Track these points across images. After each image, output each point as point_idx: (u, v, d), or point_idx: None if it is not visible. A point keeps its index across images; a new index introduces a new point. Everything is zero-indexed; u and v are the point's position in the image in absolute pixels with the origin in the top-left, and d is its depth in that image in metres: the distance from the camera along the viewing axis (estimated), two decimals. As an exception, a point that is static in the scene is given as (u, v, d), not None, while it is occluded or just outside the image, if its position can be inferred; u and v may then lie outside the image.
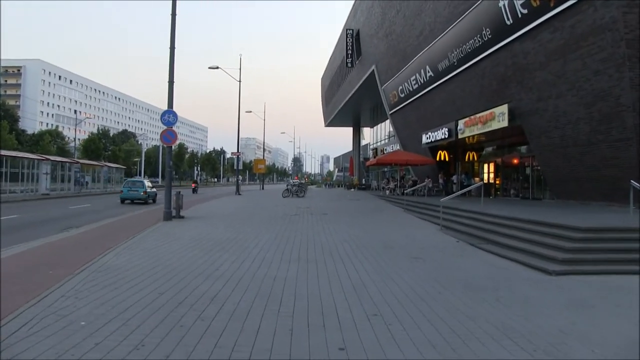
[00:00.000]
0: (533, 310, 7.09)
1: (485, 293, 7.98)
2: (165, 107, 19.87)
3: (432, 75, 31.49)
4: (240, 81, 49.46)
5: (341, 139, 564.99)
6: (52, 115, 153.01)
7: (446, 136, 31.26)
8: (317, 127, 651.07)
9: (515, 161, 29.95)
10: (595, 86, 17.56)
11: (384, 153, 55.35)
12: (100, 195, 50.10)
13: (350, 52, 52.48)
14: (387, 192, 39.95)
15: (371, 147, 67.87)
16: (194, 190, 57.33)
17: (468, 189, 22.70)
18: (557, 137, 20.91)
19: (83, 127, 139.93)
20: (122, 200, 35.77)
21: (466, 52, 26.12)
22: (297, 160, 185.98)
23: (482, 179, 33.73)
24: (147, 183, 39.81)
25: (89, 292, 7.73)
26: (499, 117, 24.30)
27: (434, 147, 36.29)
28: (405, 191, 31.18)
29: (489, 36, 23.45)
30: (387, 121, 56.21)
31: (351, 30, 52.49)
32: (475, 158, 35.81)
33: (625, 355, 5.53)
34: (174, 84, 19.35)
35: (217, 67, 46.54)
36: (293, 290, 7.98)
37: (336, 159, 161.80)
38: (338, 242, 13.60)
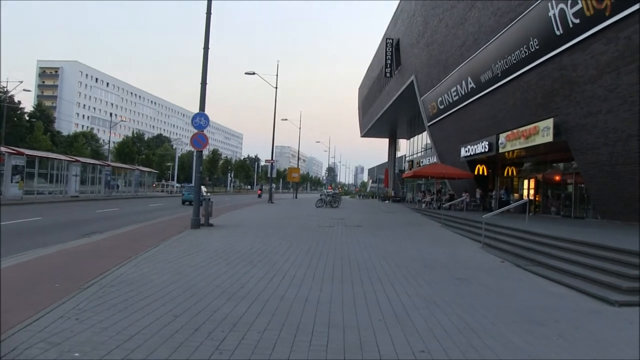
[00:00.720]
0: (603, 351, 6.25)
1: (544, 327, 7.11)
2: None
3: (474, 86, 30.56)
4: (276, 88, 49.14)
5: (376, 150, 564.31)
6: (88, 117, 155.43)
7: (486, 150, 30.28)
8: (353, 137, 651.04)
9: (557, 178, 28.84)
10: (652, 101, 16.55)
11: (420, 165, 54.36)
12: (131, 199, 50.20)
13: (389, 61, 51.74)
14: (423, 205, 39.04)
15: (407, 159, 66.81)
16: (260, 196, 64.60)
17: (511, 205, 21.67)
18: (605, 154, 19.84)
19: (118, 130, 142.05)
20: (183, 202, 43.53)
21: (511, 64, 25.17)
22: (331, 170, 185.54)
23: (521, 195, 32.65)
24: (203, 188, 44.68)
25: (94, 312, 6.91)
26: (543, 132, 23.30)
27: (472, 161, 35.29)
28: (442, 205, 30.29)
29: (537, 47, 22.49)
30: (424, 133, 55.32)
31: (391, 40, 51.76)
32: (515, 173, 34.71)
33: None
34: (207, 85, 18.76)
35: (254, 73, 46.37)
36: (327, 318, 7.14)
37: (370, 170, 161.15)
38: (374, 259, 12.82)
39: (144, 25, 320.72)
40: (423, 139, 57.15)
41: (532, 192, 31.37)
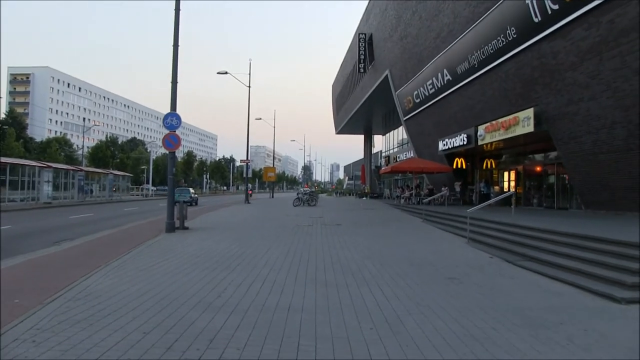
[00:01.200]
0: (619, 355, 5.64)
1: (551, 330, 6.48)
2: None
3: (450, 79, 30.04)
4: (249, 86, 48.32)
5: (352, 147, 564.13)
6: (61, 123, 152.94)
7: (465, 143, 29.81)
8: (327, 135, 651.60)
9: (538, 169, 28.48)
10: (636, 86, 16.09)
11: (396, 161, 53.93)
12: (106, 204, 48.74)
13: (362, 57, 51.10)
14: (402, 200, 38.51)
15: (383, 154, 66.38)
16: (250, 196, 62.49)
17: (497, 198, 21.11)
18: (588, 142, 19.42)
19: (92, 135, 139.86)
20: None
21: (488, 54, 24.66)
22: (307, 169, 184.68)
23: (502, 188, 32.28)
24: (192, 190, 57.76)
25: (54, 331, 6.14)
26: (523, 122, 22.86)
27: (450, 154, 34.86)
28: (422, 200, 29.80)
29: (514, 35, 21.98)
30: (400, 128, 54.95)
31: (364, 35, 51.12)
32: (493, 166, 34.33)
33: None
34: (178, 84, 17.88)
35: (226, 73, 45.50)
36: (312, 328, 6.44)
37: (346, 167, 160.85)
38: (358, 259, 12.15)
39: (116, 28, 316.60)
40: (399, 134, 56.73)
41: (512, 184, 30.97)
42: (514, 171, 30.84)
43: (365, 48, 50.71)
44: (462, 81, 28.61)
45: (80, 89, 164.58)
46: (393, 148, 60.74)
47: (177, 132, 17.76)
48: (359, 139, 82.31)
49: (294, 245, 14.66)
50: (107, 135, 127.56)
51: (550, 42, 19.65)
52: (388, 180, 67.81)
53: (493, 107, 26.28)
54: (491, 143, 28.24)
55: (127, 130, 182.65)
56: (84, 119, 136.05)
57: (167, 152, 18.10)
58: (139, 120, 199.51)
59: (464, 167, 35.82)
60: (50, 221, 24.83)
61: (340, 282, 9.27)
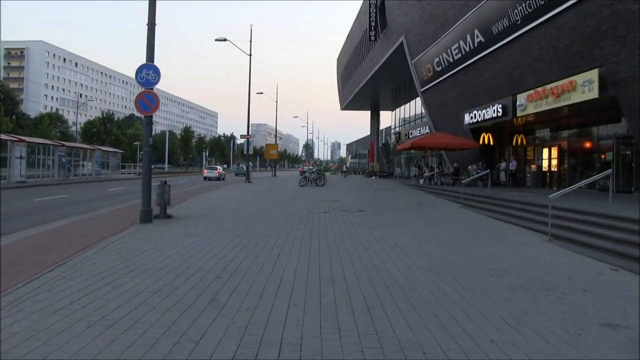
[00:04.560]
0: None
1: None
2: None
3: (483, 40, 25.92)
4: (250, 55, 43.98)
5: (353, 125, 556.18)
6: (57, 99, 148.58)
7: (499, 114, 25.82)
8: (330, 112, 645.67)
9: (589, 145, 24.47)
10: None
11: (408, 137, 49.91)
12: (92, 182, 44.10)
13: (373, 24, 46.79)
14: (421, 181, 34.53)
15: (393, 130, 62.27)
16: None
17: (593, 179, 16.75)
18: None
19: (89, 112, 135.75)
20: (205, 178, 53.69)
21: (537, 5, 20.59)
22: (308, 147, 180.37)
23: (539, 167, 28.36)
24: (219, 168, 68.02)
25: None
26: (583, 87, 18.86)
27: (476, 129, 30.88)
28: (459, 181, 26.11)
29: (576, -21, 17.92)
30: (412, 102, 51.17)
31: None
32: (524, 142, 30.30)
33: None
34: (156, 27, 13.51)
35: (225, 40, 41.33)
36: None
37: (349, 146, 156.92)
38: (421, 275, 7.95)
39: (116, 2, 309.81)
40: (411, 109, 52.74)
41: (555, 162, 26.89)
42: (556, 148, 26.73)
43: (376, 14, 46.43)
44: (497, 43, 24.58)
45: (77, 64, 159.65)
46: (404, 124, 56.70)
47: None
48: (361, 117, 78.98)
49: (315, 245, 10.59)
50: (102, 112, 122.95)
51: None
52: (397, 158, 63.85)
53: (538, 72, 22.27)
54: (525, 116, 24.38)
55: (125, 107, 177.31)
56: (80, 95, 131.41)
57: (142, 116, 13.77)
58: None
59: (491, 143, 31.82)
60: (15, 205, 20.58)
61: (425, 339, 5.05)
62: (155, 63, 13.54)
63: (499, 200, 18.72)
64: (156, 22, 13.60)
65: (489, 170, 26.10)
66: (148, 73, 13.27)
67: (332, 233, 12.33)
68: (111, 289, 6.68)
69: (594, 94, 18.19)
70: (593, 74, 18.19)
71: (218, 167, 72.26)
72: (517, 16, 22.24)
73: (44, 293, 6.42)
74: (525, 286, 7.27)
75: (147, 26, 13.41)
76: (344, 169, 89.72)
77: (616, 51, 17.04)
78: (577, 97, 19.30)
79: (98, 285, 6.83)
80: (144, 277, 7.40)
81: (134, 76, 13.56)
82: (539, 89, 21.92)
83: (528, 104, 23.08)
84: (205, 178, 53.90)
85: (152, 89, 13.35)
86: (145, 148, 13.55)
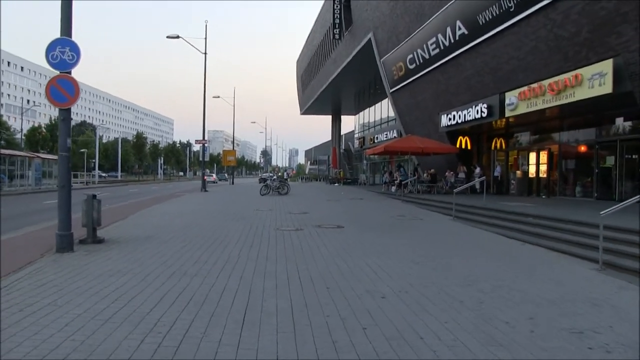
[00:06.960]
0: None
1: None
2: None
3: (466, 33, 23.31)
4: (205, 53, 40.53)
5: (314, 130, 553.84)
6: (3, 105, 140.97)
7: (484, 115, 23.24)
8: (289, 116, 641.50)
9: (583, 149, 22.06)
10: None
11: (374, 142, 47.30)
12: (29, 194, 39.42)
13: (337, 21, 43.94)
14: (393, 188, 31.76)
15: (357, 135, 59.60)
16: (215, 182, 74.66)
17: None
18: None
19: (37, 119, 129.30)
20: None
21: (536, -12, 18.03)
22: (266, 154, 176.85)
23: (524, 172, 25.92)
24: (214, 176, 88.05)
25: None
26: (592, 81, 16.29)
27: (453, 133, 28.33)
28: (451, 188, 23.75)
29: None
30: (377, 105, 48.91)
31: (339, -5, 43.95)
32: (504, 146, 27.81)
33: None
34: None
35: (178, 37, 37.96)
36: None
37: (307, 152, 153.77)
38: (469, 339, 5.24)
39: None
40: (376, 113, 50.30)
41: (543, 168, 24.37)
42: (545, 152, 24.20)
43: (341, 10, 43.57)
44: (484, 34, 22.01)
45: (22, 68, 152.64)
46: (368, 128, 54.10)
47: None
48: (323, 121, 76.08)
49: (295, 288, 7.38)
50: (51, 119, 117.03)
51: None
52: (360, 164, 61.22)
53: (532, 66, 19.74)
54: (508, 118, 22.09)
55: (77, 113, 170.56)
56: (28, 100, 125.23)
57: (55, 107, 10.04)
58: (90, 103, 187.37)
59: (469, 147, 29.27)
60: None
61: None
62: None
63: (490, 211, 16.02)
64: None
65: (484, 177, 23.53)
66: (63, 51, 9.78)
67: (314, 264, 9.20)
68: None
69: (606, 88, 15.64)
70: (606, 66, 15.65)
71: (213, 174, 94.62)
72: (509, 2, 19.64)
73: None
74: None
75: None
76: (303, 176, 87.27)
77: (633, 39, 14.53)
78: (583, 94, 16.74)
79: None
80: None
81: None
82: (534, 85, 19.35)
83: (520, 102, 20.52)
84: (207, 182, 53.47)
85: (70, 72, 9.93)
86: (61, 152, 9.96)
